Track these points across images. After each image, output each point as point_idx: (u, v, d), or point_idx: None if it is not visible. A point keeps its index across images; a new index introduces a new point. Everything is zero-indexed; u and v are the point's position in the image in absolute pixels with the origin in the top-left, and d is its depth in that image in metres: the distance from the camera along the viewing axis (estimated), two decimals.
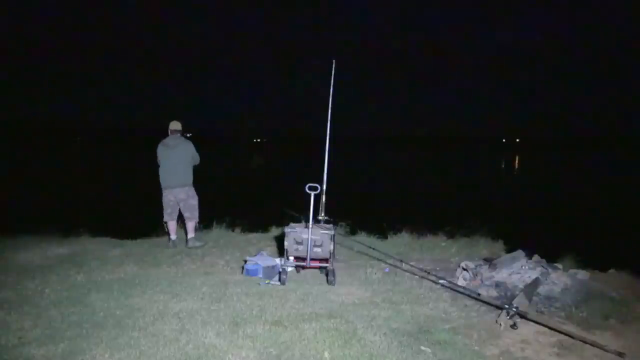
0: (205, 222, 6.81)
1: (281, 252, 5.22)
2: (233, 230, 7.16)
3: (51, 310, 3.76)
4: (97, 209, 13.39)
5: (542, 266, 4.65)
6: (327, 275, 4.79)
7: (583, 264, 5.52)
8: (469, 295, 4.32)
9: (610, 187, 25.70)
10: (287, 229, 4.83)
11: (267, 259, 5.09)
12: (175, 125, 6.34)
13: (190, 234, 6.23)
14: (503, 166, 51.45)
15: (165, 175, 6.19)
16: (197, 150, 6.39)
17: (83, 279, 4.61)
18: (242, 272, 4.98)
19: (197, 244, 6.17)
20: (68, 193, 18.18)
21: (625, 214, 14.87)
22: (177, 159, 6.16)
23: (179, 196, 6.19)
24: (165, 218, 6.25)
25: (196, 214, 6.26)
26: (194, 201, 6.26)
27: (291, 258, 4.86)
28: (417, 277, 4.93)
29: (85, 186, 21.12)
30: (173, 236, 6.23)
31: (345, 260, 5.59)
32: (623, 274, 5.17)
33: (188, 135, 6.54)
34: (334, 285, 4.64)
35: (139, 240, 6.61)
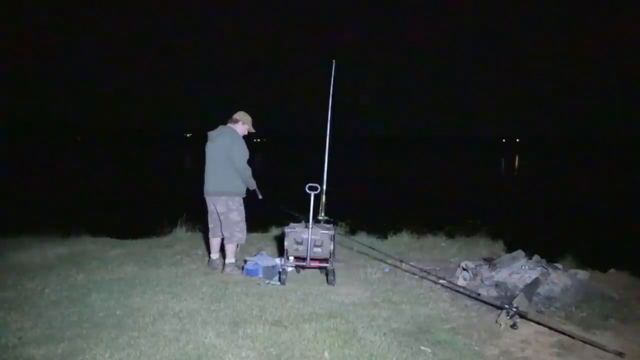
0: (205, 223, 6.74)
1: (281, 252, 5.21)
2: None
3: (51, 310, 3.76)
4: (97, 209, 13.39)
5: (542, 266, 4.65)
6: (327, 275, 4.78)
7: (583, 264, 5.54)
8: (469, 295, 4.32)
9: (611, 186, 25.70)
10: (287, 229, 4.83)
11: (267, 259, 5.08)
12: (237, 114, 5.12)
13: (229, 258, 5.02)
14: (503, 166, 51.45)
15: (204, 176, 5.01)
16: (243, 146, 4.94)
17: (83, 279, 4.60)
18: (242, 272, 4.98)
19: (236, 271, 4.98)
20: (68, 193, 18.18)
21: (626, 214, 14.88)
22: (214, 156, 4.94)
23: (218, 208, 4.97)
24: (209, 234, 5.20)
25: (238, 233, 4.98)
26: (237, 216, 4.96)
27: (291, 258, 4.86)
28: (417, 277, 4.93)
29: (85, 186, 21.13)
30: (213, 255, 5.19)
31: (345, 260, 5.59)
32: (623, 274, 5.18)
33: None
34: (334, 285, 4.64)
35: (139, 240, 6.60)
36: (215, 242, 5.19)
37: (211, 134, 5.02)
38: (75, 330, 3.37)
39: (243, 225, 5.04)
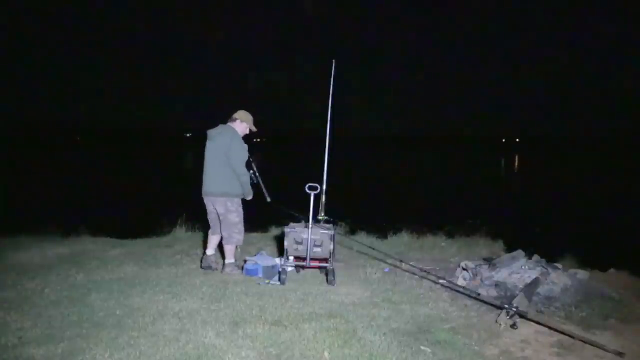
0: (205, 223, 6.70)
1: (281, 252, 5.21)
2: None
3: (51, 310, 3.76)
4: (97, 209, 13.38)
5: (542, 266, 4.65)
6: (327, 275, 4.78)
7: (583, 264, 5.54)
8: (469, 295, 4.32)
9: (611, 186, 25.69)
10: (287, 229, 4.83)
11: (267, 259, 5.08)
12: (237, 114, 5.06)
13: (229, 259, 5.00)
14: (503, 166, 51.48)
15: (203, 176, 4.96)
16: (242, 147, 4.89)
17: (83, 279, 4.61)
18: (242, 272, 4.98)
19: (236, 271, 4.98)
20: (68, 193, 18.18)
21: (626, 214, 14.87)
22: (213, 156, 4.88)
23: (218, 209, 4.94)
24: (209, 232, 5.18)
25: (237, 235, 4.95)
26: (236, 218, 4.92)
27: (291, 258, 4.86)
28: (417, 277, 4.93)
29: (85, 186, 21.12)
30: (209, 251, 5.13)
31: (345, 260, 5.59)
32: (623, 274, 5.19)
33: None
34: (334, 285, 4.64)
35: (139, 240, 6.60)
36: (214, 240, 5.15)
37: (211, 133, 4.97)
38: (75, 330, 3.38)
39: (241, 227, 5.00)
